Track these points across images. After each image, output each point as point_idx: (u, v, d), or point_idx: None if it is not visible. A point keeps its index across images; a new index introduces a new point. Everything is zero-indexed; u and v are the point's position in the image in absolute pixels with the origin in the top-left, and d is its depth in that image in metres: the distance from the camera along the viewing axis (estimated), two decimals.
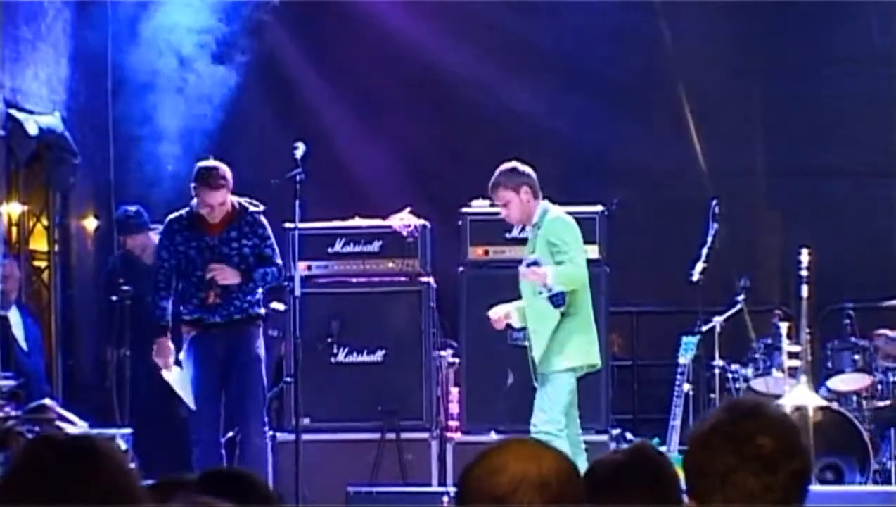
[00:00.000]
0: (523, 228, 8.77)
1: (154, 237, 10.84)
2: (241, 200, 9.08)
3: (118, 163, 11.52)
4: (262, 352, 9.07)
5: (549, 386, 8.33)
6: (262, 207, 9.11)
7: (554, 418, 8.26)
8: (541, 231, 8.47)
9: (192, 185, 8.93)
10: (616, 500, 3.42)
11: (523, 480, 2.75)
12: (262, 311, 9.19)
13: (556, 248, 8.39)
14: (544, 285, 8.27)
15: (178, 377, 9.09)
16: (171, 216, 9.16)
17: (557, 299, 8.29)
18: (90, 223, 11.43)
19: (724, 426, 3.02)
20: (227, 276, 8.91)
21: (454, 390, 9.98)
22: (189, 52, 11.28)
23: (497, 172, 8.49)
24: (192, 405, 9.03)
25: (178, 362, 9.15)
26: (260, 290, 9.11)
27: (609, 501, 3.42)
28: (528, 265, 8.33)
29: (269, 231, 9.08)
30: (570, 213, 9.58)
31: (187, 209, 9.06)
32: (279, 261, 9.10)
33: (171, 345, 9.01)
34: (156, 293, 9.07)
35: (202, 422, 8.98)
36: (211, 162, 8.99)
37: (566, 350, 8.38)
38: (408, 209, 10.11)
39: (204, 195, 8.88)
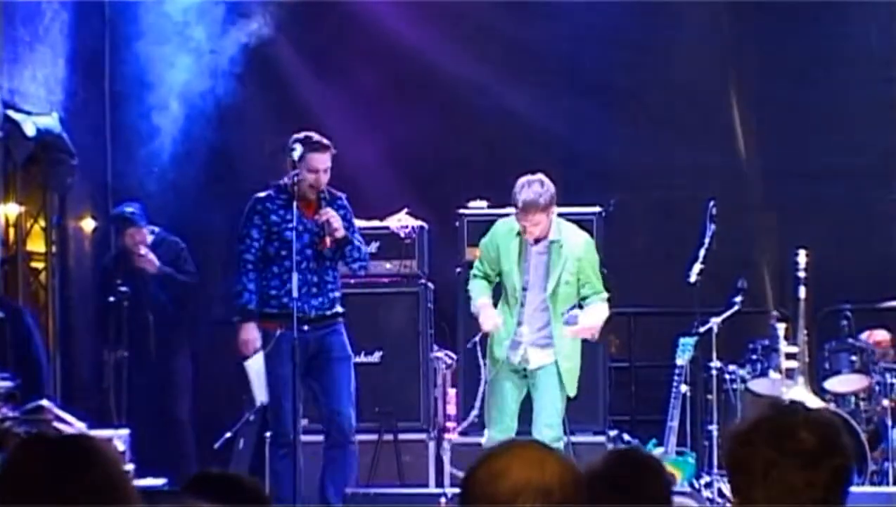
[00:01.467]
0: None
1: (149, 237, 10.84)
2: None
3: (116, 164, 11.52)
4: (350, 351, 8.81)
5: (560, 405, 8.48)
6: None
7: (560, 435, 8.48)
8: (566, 249, 8.49)
9: (296, 156, 8.65)
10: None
11: (526, 486, 2.72)
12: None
13: (587, 278, 8.53)
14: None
15: (258, 368, 8.69)
16: (261, 194, 8.75)
17: (571, 320, 8.41)
18: (88, 224, 11.42)
19: (766, 422, 3.03)
20: (339, 225, 8.55)
21: (451, 392, 9.98)
22: (188, 53, 11.29)
23: (535, 188, 8.33)
24: (259, 400, 8.76)
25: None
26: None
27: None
28: (567, 322, 8.41)
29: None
30: (567, 214, 9.65)
31: (274, 189, 8.70)
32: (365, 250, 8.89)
33: (256, 331, 8.64)
34: (244, 275, 8.65)
35: (288, 423, 8.56)
36: None
37: (577, 376, 8.61)
38: (405, 210, 10.12)
39: (311, 160, 8.57)
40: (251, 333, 8.63)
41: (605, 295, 8.56)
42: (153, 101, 11.29)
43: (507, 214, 8.82)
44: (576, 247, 8.52)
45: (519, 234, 8.51)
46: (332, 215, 8.56)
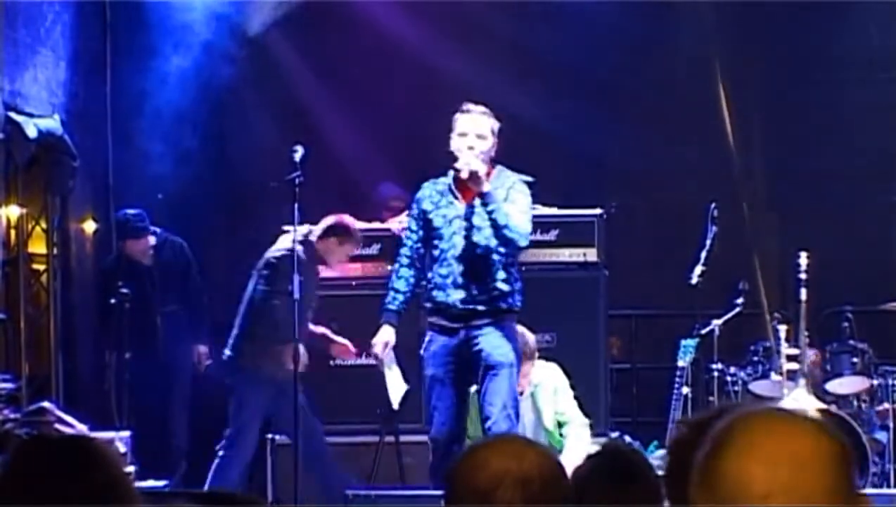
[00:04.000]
0: None
1: (151, 239, 10.84)
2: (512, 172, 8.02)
3: (117, 166, 11.53)
4: (512, 355, 7.80)
5: None
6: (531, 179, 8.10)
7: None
8: (543, 389, 8.89)
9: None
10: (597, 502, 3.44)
11: (504, 477, 2.74)
12: (517, 306, 7.85)
13: (564, 407, 8.91)
14: None
15: (388, 373, 8.39)
16: (427, 183, 8.13)
17: None
18: (89, 226, 11.43)
19: (706, 426, 3.03)
20: (478, 168, 7.70)
21: None
22: (189, 55, 11.30)
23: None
24: (394, 404, 8.52)
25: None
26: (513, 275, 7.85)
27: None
28: None
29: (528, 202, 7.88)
30: (569, 216, 9.71)
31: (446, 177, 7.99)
32: (523, 227, 7.79)
33: (387, 334, 8.04)
34: (393, 272, 8.12)
35: (439, 433, 8.02)
36: None
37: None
38: (406, 212, 10.10)
39: (459, 125, 7.89)
40: (381, 335, 8.07)
41: (586, 421, 8.89)
42: (154, 102, 11.29)
43: None
44: (549, 380, 8.85)
45: None
46: (471, 159, 7.77)
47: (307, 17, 11.83)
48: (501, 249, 7.81)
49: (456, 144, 7.88)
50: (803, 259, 9.60)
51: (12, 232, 10.36)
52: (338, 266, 9.79)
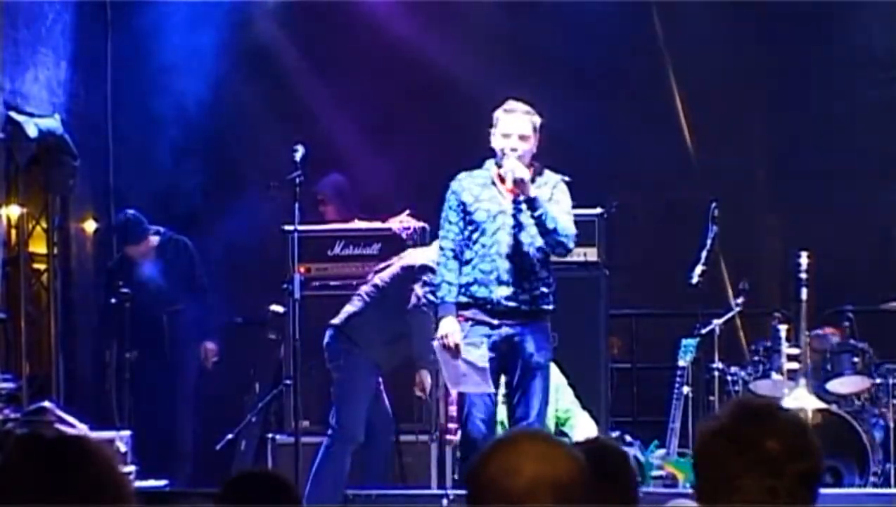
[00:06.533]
0: None
1: (154, 240, 10.83)
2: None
3: (117, 166, 11.53)
4: (550, 357, 7.93)
5: None
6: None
7: None
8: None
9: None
10: None
11: (541, 483, 2.70)
12: (553, 307, 7.90)
13: (566, 403, 9.24)
14: None
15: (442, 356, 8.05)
16: (462, 174, 8.00)
17: None
18: (89, 226, 11.43)
19: (729, 430, 3.01)
20: (523, 174, 7.64)
21: (453, 393, 9.95)
22: (189, 55, 11.30)
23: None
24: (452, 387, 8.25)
25: None
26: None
27: None
28: None
29: (570, 203, 7.88)
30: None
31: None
32: (571, 229, 7.81)
33: (454, 324, 7.80)
34: (441, 265, 7.92)
35: (473, 430, 7.88)
36: None
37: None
38: (407, 212, 10.11)
39: (502, 125, 7.83)
40: (446, 326, 7.79)
41: (585, 413, 9.09)
42: (155, 102, 11.30)
43: None
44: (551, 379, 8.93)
45: None
46: (517, 166, 7.69)
47: (309, 18, 11.82)
48: (545, 249, 7.79)
49: (499, 143, 7.83)
50: (804, 259, 9.59)
51: (13, 232, 10.37)
52: (338, 266, 9.80)
